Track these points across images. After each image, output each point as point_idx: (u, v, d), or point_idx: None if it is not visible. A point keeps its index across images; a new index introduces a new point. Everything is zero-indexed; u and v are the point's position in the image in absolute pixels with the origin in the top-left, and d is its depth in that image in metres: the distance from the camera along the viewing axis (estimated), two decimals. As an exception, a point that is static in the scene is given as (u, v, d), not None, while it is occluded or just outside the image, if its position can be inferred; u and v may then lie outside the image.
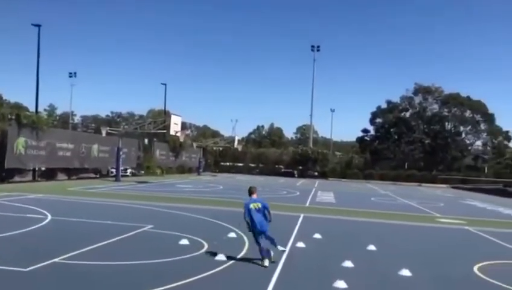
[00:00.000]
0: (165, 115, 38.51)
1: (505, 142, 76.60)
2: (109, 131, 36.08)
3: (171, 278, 7.35)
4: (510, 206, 29.02)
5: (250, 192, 9.25)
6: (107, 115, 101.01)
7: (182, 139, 38.48)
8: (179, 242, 10.26)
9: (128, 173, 40.05)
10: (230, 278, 7.76)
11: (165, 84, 53.98)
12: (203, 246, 10.05)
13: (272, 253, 8.94)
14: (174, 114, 32.12)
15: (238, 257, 9.23)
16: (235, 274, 8.02)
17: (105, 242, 10.01)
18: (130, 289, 6.97)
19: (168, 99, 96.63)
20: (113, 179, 32.77)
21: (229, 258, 8.93)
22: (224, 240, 11.01)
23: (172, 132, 31.32)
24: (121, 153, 32.96)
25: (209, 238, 10.92)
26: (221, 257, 8.92)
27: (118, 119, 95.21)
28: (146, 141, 43.93)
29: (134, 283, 7.18)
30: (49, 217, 13.28)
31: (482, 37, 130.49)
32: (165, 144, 47.22)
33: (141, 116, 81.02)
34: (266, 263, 8.62)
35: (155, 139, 45.79)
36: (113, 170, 35.00)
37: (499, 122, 75.69)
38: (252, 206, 8.88)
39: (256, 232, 8.78)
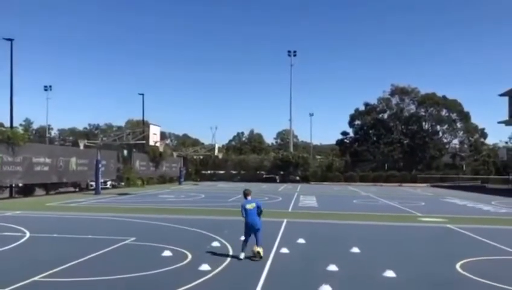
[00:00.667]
0: (144, 125, 38.15)
1: (481, 140, 78.18)
2: (87, 143, 35.53)
3: (155, 291, 7.25)
4: (489, 202, 29.57)
5: (245, 194, 10.50)
6: (85, 128, 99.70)
7: (161, 149, 38.17)
8: (161, 254, 10.12)
9: (108, 185, 39.54)
10: (214, 288, 7.67)
11: (143, 94, 53.63)
12: (186, 257, 9.93)
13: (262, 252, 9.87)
14: (152, 124, 31.85)
15: (223, 266, 9.15)
16: (220, 284, 7.93)
17: (87, 257, 9.81)
18: (113, 304, 6.82)
19: (146, 110, 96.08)
20: (93, 192, 32.28)
21: (213, 267, 8.84)
22: (207, 249, 10.90)
23: (151, 142, 31.03)
24: (99, 165, 32.50)
25: (193, 248, 10.81)
26: (205, 266, 8.83)
27: (96, 131, 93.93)
28: (125, 152, 43.42)
29: (117, 298, 7.05)
30: (28, 234, 12.96)
31: (456, 37, 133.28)
32: (144, 154, 46.77)
33: (119, 128, 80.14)
34: (241, 256, 9.80)
35: (134, 150, 45.28)
36: (93, 183, 34.47)
37: (475, 120, 77.34)
38: (248, 206, 10.09)
39: (248, 229, 9.98)
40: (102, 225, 15.54)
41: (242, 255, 9.83)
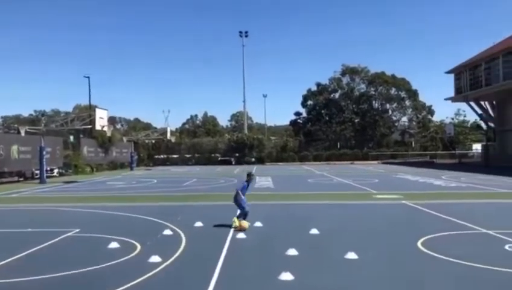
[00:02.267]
0: (90, 109, 36.31)
1: (429, 117, 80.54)
2: (28, 130, 33.46)
3: (98, 289, 6.47)
4: (439, 177, 30.26)
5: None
6: (30, 114, 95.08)
7: (109, 134, 36.48)
8: (107, 246, 9.29)
9: (55, 173, 37.57)
10: (165, 282, 6.98)
11: (88, 77, 51.52)
12: (135, 248, 9.16)
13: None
14: (99, 108, 30.32)
15: (175, 256, 8.47)
16: (171, 277, 7.24)
17: (22, 254, 8.83)
18: (48, 308, 6.00)
19: (97, 94, 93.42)
20: (38, 181, 30.54)
21: (164, 259, 8.14)
22: (158, 238, 10.17)
23: (98, 127, 29.52)
24: (44, 152, 30.71)
25: (142, 238, 10.04)
26: (155, 258, 8.11)
27: (43, 118, 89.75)
28: (71, 138, 41.38)
29: (54, 301, 6.23)
30: (-43, 230, 11.74)
31: (402, 16, 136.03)
32: (92, 140, 44.79)
33: (67, 113, 76.84)
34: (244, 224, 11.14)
35: (82, 136, 43.27)
36: (38, 172, 32.60)
37: (422, 97, 79.52)
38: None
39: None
40: (44, 217, 14.40)
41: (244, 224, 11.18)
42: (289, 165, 56.53)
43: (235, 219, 11.43)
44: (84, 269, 7.63)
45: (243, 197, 11.50)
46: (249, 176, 12.03)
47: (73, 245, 9.80)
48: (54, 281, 7.08)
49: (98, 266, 7.81)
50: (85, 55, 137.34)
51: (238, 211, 11.62)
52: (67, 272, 7.48)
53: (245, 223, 11.14)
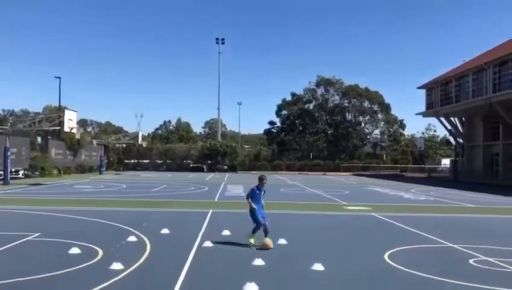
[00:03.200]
0: (60, 110, 35.48)
1: (400, 131, 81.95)
2: (-6, 129, 32.44)
3: (53, 297, 6.17)
4: (409, 190, 30.67)
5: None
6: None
7: (78, 136, 35.65)
8: (68, 251, 8.94)
9: (20, 175, 36.49)
10: (126, 291, 6.73)
11: (60, 78, 50.53)
12: (97, 254, 8.84)
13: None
14: (68, 109, 29.61)
15: (137, 264, 8.19)
16: (131, 285, 6.97)
17: (-24, 258, 8.42)
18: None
19: (68, 96, 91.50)
20: (1, 182, 29.55)
21: (126, 266, 7.86)
22: (122, 245, 9.85)
23: (67, 129, 28.78)
24: (8, 153, 29.77)
25: (105, 244, 9.72)
26: (117, 265, 7.82)
27: (10, 118, 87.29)
28: (39, 139, 40.30)
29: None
30: None
31: (376, 30, 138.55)
32: (61, 142, 43.73)
33: (37, 114, 74.95)
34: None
35: (50, 137, 42.17)
36: (1, 173, 31.55)
37: (394, 111, 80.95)
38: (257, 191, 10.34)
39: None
40: (4, 219, 13.82)
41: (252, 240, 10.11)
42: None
43: (249, 234, 10.20)
44: (41, 275, 7.29)
45: (254, 206, 10.09)
46: (261, 180, 10.44)
47: (32, 250, 9.40)
48: (5, 288, 6.72)
49: (56, 272, 7.48)
50: (57, 56, 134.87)
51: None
52: (22, 278, 7.13)
53: (268, 242, 9.87)
